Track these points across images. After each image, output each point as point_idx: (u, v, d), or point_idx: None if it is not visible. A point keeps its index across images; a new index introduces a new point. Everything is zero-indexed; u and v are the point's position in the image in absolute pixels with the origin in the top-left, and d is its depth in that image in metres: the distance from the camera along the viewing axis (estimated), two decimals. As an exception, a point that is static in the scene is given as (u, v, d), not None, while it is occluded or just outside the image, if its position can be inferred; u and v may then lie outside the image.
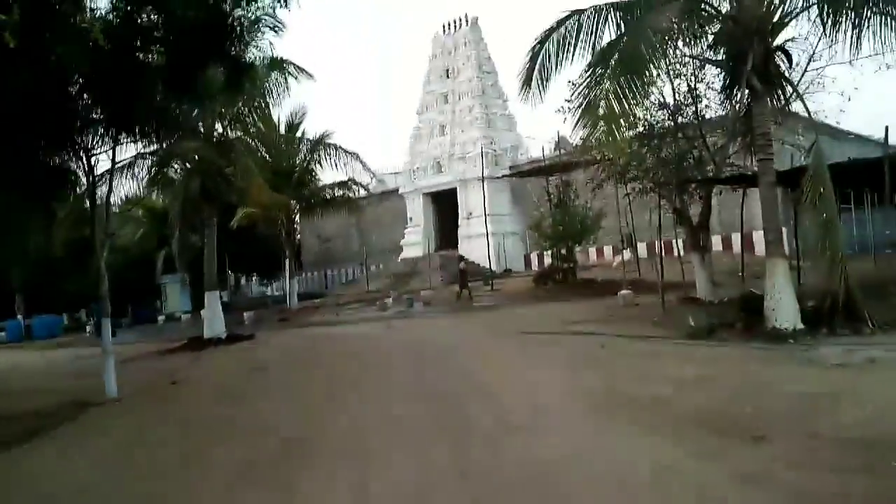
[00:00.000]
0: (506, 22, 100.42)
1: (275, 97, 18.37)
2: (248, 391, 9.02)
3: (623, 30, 11.02)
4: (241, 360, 12.73)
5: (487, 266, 33.46)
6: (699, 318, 11.80)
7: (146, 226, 31.49)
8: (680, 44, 11.75)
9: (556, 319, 14.09)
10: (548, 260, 34.95)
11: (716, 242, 24.11)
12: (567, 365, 8.48)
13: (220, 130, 17.35)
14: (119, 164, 14.01)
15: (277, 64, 17.83)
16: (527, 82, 12.67)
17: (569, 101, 14.15)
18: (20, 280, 31.04)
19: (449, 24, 41.43)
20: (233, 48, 9.34)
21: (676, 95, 14.71)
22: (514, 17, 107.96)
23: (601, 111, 9.00)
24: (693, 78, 14.29)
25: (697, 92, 14.45)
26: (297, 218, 36.84)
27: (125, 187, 15.83)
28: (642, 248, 32.13)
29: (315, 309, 27.15)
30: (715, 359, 8.23)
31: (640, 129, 15.40)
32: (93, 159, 10.77)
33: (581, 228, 22.53)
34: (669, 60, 12.34)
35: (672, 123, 14.95)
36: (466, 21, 40.72)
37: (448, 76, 40.62)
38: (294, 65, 18.72)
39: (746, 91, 11.03)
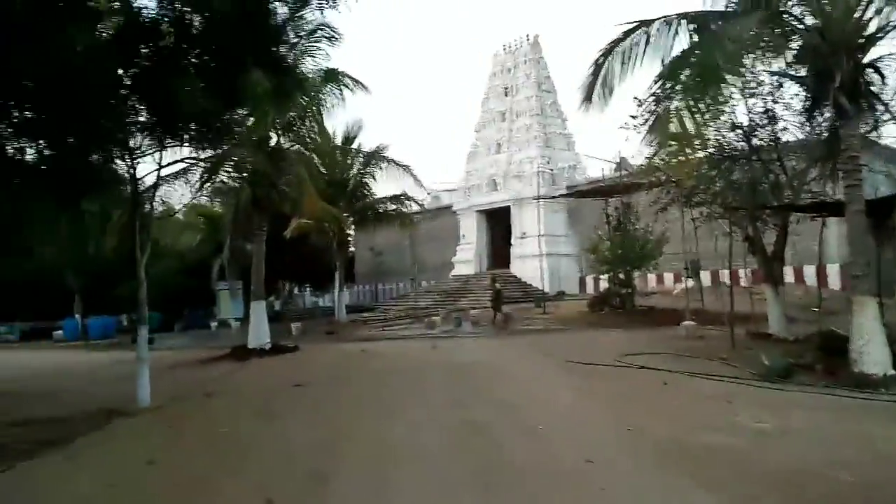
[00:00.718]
0: (567, 41, 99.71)
1: (329, 108, 18.21)
2: (281, 409, 8.58)
3: (695, 42, 10.27)
4: (280, 373, 12.37)
5: (540, 288, 32.66)
6: (774, 357, 10.77)
7: (204, 232, 32.03)
8: (757, 59, 10.84)
9: (613, 349, 13.20)
10: (604, 284, 33.79)
11: (787, 274, 22.64)
12: (625, 404, 7.66)
13: (274, 140, 17.24)
14: (171, 170, 14.09)
15: (333, 75, 17.72)
16: (588, 96, 11.99)
17: (634, 118, 13.46)
18: (80, 281, 32.02)
19: (509, 43, 41.12)
20: (277, 51, 9.06)
21: (751, 115, 13.72)
22: (575, 37, 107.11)
23: (671, 129, 8.26)
24: (770, 97, 13.28)
25: (774, 112, 13.41)
26: (351, 231, 36.96)
27: (177, 193, 15.89)
28: (705, 277, 30.67)
29: (363, 323, 26.86)
30: (796, 406, 7.27)
31: (711, 150, 14.50)
32: (138, 163, 10.70)
33: (641, 253, 21.43)
34: (745, 77, 11.41)
35: (745, 145, 13.94)
36: (528, 39, 40.30)
37: (507, 94, 40.16)
38: (350, 77, 18.55)
39: (833, 111, 10.09)
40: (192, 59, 9.67)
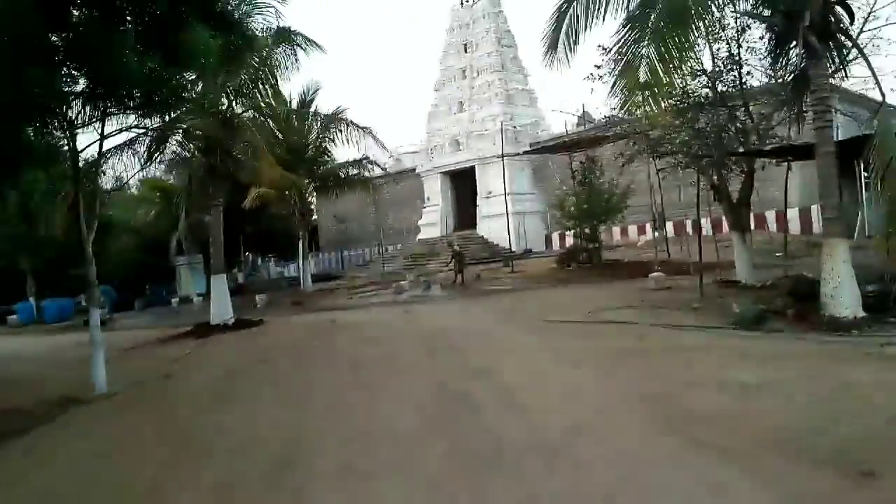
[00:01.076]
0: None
1: (283, 71, 17.33)
2: (244, 390, 8.16)
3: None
4: (243, 350, 11.90)
5: (507, 247, 32.55)
6: (744, 305, 10.75)
7: (159, 206, 30.87)
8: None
9: (585, 305, 13.07)
10: (570, 240, 33.82)
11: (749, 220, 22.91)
12: (604, 364, 7.45)
13: (226, 105, 16.36)
14: (117, 141, 13.25)
15: (286, 35, 16.83)
16: (552, 46, 11.56)
17: (599, 67, 13.10)
18: (33, 263, 30.63)
19: (468, -4, 39.94)
20: (222, 4, 8.35)
21: (716, 61, 13.46)
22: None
23: (641, 76, 7.89)
24: (734, 41, 13.02)
25: (739, 56, 13.17)
26: (314, 198, 36.02)
27: (123, 166, 14.97)
28: (669, 227, 30.92)
29: (330, 292, 26.36)
30: (776, 355, 7.15)
31: (677, 98, 14.29)
32: (78, 135, 9.94)
33: (607, 207, 21.30)
34: (712, 18, 11.06)
35: (710, 92, 13.72)
36: (486, -8, 39.18)
37: (466, 50, 39.24)
38: (303, 36, 17.61)
39: (801, 51, 9.85)
40: (129, 17, 8.90)
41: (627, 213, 23.47)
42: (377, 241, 38.01)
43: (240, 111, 17.18)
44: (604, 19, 10.89)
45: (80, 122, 10.13)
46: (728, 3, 10.18)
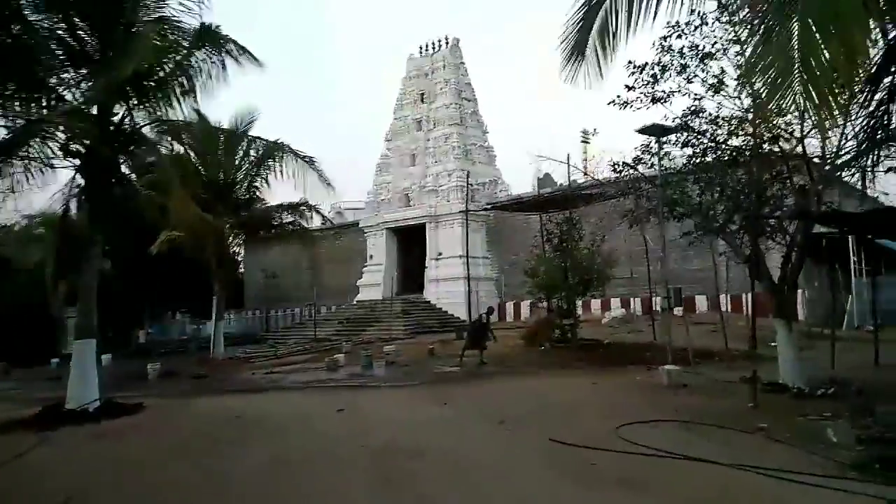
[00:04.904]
0: (486, 51, 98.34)
1: (206, 82, 13.45)
2: None
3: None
4: (83, 469, 7.45)
5: (457, 315, 29.16)
6: (843, 433, 7.45)
7: (47, 245, 25.79)
8: None
9: (592, 411, 9.51)
10: (525, 309, 30.56)
11: (722, 302, 20.37)
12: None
13: (121, 115, 12.37)
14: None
15: (211, 34, 13.12)
16: (578, 50, 8.38)
17: (630, 89, 10.12)
18: None
19: (427, 45, 37.84)
20: None
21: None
22: (494, 47, 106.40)
23: (795, 55, 4.67)
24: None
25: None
26: (240, 248, 31.78)
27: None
28: (637, 304, 28.21)
29: (247, 360, 21.79)
30: None
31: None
32: None
33: (589, 276, 18.04)
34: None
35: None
36: (446, 42, 37.15)
37: (423, 101, 36.78)
38: (235, 43, 13.85)
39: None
40: None
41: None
42: (310, 301, 33.78)
43: (142, 125, 13.17)
44: (655, 16, 7.85)
45: None
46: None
